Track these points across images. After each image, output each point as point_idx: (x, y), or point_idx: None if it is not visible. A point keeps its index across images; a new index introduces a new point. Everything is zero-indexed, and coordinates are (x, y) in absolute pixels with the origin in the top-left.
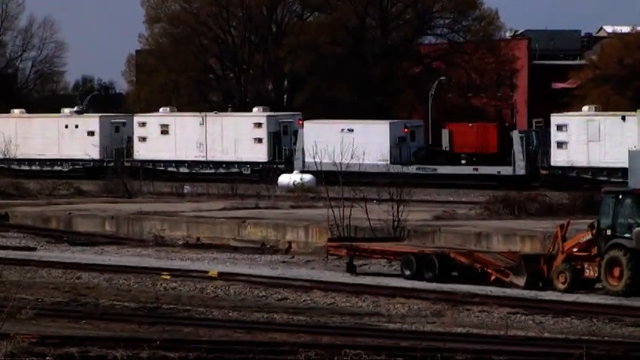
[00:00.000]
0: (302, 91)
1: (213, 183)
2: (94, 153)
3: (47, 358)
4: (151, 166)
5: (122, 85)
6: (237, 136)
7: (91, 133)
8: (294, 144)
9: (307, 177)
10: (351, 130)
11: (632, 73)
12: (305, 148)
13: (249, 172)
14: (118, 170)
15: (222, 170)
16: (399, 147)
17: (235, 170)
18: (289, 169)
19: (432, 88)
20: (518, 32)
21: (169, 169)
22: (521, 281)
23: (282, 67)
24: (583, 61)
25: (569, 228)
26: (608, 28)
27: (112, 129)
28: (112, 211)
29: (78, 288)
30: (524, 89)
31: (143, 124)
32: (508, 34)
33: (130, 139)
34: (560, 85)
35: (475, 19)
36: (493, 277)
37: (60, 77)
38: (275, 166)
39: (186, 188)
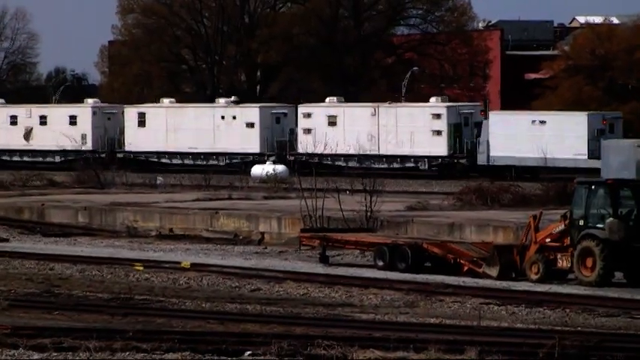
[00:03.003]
0: (275, 82)
1: (186, 174)
2: (253, 146)
3: (20, 348)
4: (316, 160)
5: (95, 76)
6: (413, 129)
7: (250, 125)
8: (477, 136)
9: (280, 167)
10: (543, 122)
11: (604, 64)
12: (489, 141)
13: (426, 167)
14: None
15: (396, 165)
16: (597, 140)
17: (411, 165)
18: (471, 164)
19: (405, 79)
20: (491, 23)
21: (337, 163)
22: (494, 272)
23: (255, 58)
24: (556, 52)
25: (541, 218)
26: (581, 19)
27: (273, 120)
28: (84, 202)
29: (51, 279)
30: (497, 80)
31: (308, 115)
32: (481, 25)
33: (292, 131)
34: (532, 76)
35: (448, 9)
36: (466, 268)
37: (33, 68)
38: (456, 160)
39: (159, 179)
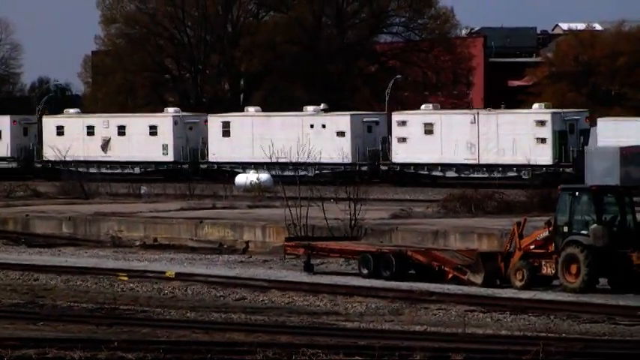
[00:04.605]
0: (258, 91)
1: (172, 184)
2: (345, 156)
3: (4, 359)
4: (412, 170)
5: (79, 87)
6: (515, 136)
7: (340, 134)
8: (585, 144)
9: (264, 176)
10: None
11: (587, 70)
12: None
13: (529, 176)
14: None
15: (496, 174)
16: None
17: (513, 174)
18: (577, 173)
19: (389, 87)
20: (474, 30)
21: (434, 173)
22: (478, 279)
23: (238, 67)
24: (539, 59)
25: (526, 225)
26: (564, 26)
27: (365, 128)
28: (69, 212)
29: (35, 289)
30: (481, 87)
31: (403, 123)
32: (464, 32)
33: (386, 140)
34: (516, 83)
35: (431, 17)
36: (450, 275)
37: (16, 79)
38: (561, 169)
39: (143, 189)
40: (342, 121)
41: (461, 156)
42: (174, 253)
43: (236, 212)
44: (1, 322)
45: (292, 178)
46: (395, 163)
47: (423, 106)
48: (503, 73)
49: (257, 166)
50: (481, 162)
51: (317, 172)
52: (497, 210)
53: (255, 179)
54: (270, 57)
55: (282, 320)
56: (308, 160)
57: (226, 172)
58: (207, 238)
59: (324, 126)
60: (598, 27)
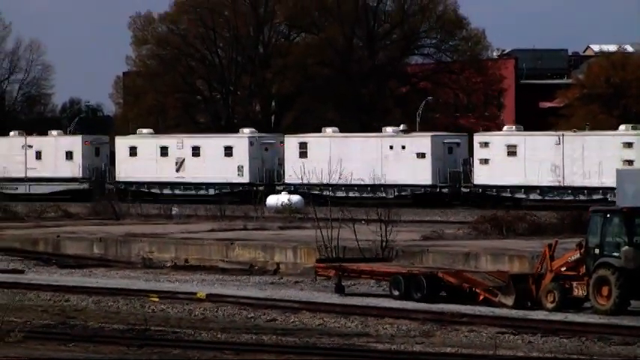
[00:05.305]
0: (290, 112)
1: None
2: (425, 178)
3: None
4: (494, 192)
5: (110, 107)
6: (601, 158)
7: (421, 155)
8: None
9: (295, 198)
10: None
11: (618, 92)
12: None
13: (614, 198)
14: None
15: (582, 197)
16: None
17: (599, 197)
18: None
19: (420, 108)
20: (506, 52)
21: (516, 195)
22: (509, 301)
23: (269, 88)
24: (570, 80)
25: (557, 247)
26: (595, 47)
27: (445, 149)
28: (100, 233)
29: (66, 310)
30: (512, 108)
31: (485, 145)
32: (495, 54)
33: (467, 162)
34: (547, 105)
35: (462, 39)
36: (481, 297)
37: (47, 99)
38: None
39: (175, 209)
40: (422, 142)
41: (545, 178)
42: (205, 275)
43: (267, 233)
44: (32, 343)
45: (370, 200)
46: (477, 185)
47: (505, 128)
48: (534, 95)
49: (334, 188)
50: (566, 184)
51: (396, 193)
52: (528, 232)
53: (286, 200)
54: (302, 78)
55: (313, 342)
56: (387, 182)
57: (303, 193)
58: (238, 259)
59: (403, 147)
60: (629, 49)
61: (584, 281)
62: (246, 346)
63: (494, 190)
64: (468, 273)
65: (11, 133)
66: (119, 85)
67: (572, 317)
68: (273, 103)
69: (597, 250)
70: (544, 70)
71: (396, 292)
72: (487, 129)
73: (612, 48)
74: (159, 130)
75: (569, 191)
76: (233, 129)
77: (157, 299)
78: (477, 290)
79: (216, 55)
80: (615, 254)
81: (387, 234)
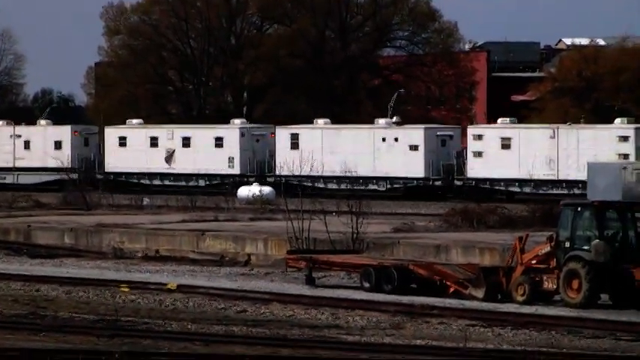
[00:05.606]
0: (261, 103)
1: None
2: (417, 170)
3: None
4: (488, 185)
5: (82, 98)
6: (596, 152)
7: (413, 148)
8: None
9: (266, 189)
10: None
11: (590, 86)
12: None
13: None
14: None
15: (576, 191)
16: None
17: None
18: None
19: (392, 100)
20: (478, 44)
21: (510, 188)
22: (480, 293)
23: (241, 80)
24: (542, 74)
25: (527, 240)
26: (567, 41)
27: (438, 142)
28: (71, 223)
29: (37, 300)
30: (484, 101)
31: (479, 137)
32: (467, 47)
33: (460, 154)
34: (519, 98)
35: (434, 31)
36: (452, 290)
37: (19, 89)
38: None
39: (146, 200)
40: (415, 134)
41: (539, 171)
42: (176, 265)
43: (238, 225)
44: (2, 333)
45: (363, 192)
46: (470, 179)
47: (500, 120)
48: (506, 88)
49: (325, 180)
50: (560, 178)
51: (388, 186)
52: (499, 224)
53: (257, 192)
54: (274, 70)
55: (283, 333)
56: (378, 175)
57: (295, 185)
58: (209, 250)
59: (396, 139)
60: (601, 42)
61: (554, 274)
62: (217, 337)
63: (487, 183)
64: (438, 265)
65: None
66: (91, 75)
67: (542, 310)
68: (245, 95)
69: (568, 244)
70: (516, 63)
71: (367, 284)
72: (458, 122)
73: (584, 41)
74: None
75: (564, 185)
76: (205, 120)
77: (127, 290)
78: (448, 283)
79: (188, 46)
80: (585, 248)
81: (357, 226)
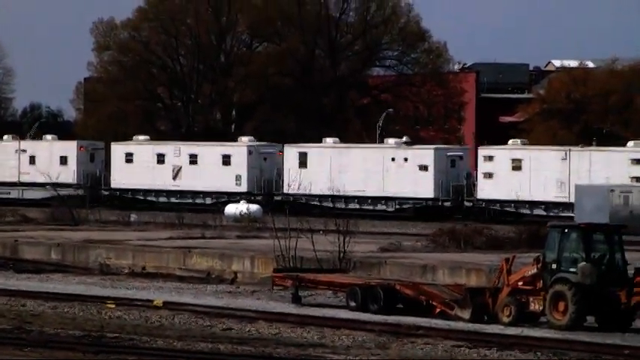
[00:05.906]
0: (250, 121)
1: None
2: (427, 191)
3: None
4: (498, 207)
5: (70, 113)
6: (609, 174)
7: (423, 168)
8: None
9: (254, 207)
10: None
11: (579, 108)
12: None
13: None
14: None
15: None
16: None
17: None
18: None
19: (380, 120)
20: (467, 65)
21: (520, 210)
22: (466, 314)
23: (230, 97)
24: (531, 95)
25: (514, 261)
26: (557, 63)
27: (448, 162)
28: (58, 238)
29: (23, 315)
30: (472, 122)
31: (490, 159)
32: (456, 67)
33: (470, 175)
34: (507, 119)
35: (424, 51)
36: (438, 310)
37: (8, 103)
38: None
39: (133, 217)
40: (425, 154)
41: (550, 193)
42: (163, 282)
43: (225, 242)
44: None
45: (371, 212)
46: (480, 200)
47: (510, 141)
48: (494, 109)
49: (334, 199)
50: (572, 200)
51: (397, 206)
52: (485, 245)
53: (244, 209)
54: (263, 88)
55: (269, 352)
56: (387, 195)
57: (303, 204)
58: (196, 267)
59: (405, 159)
60: (590, 64)
61: (540, 296)
62: (202, 355)
63: (497, 204)
64: (425, 285)
65: (5, 137)
66: (80, 90)
67: (528, 332)
68: (234, 112)
69: (554, 266)
70: (505, 84)
71: (353, 304)
72: (446, 142)
73: (573, 64)
74: (118, 137)
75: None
76: (193, 137)
77: (113, 306)
78: (434, 303)
79: (177, 63)
80: (572, 270)
81: (344, 245)
